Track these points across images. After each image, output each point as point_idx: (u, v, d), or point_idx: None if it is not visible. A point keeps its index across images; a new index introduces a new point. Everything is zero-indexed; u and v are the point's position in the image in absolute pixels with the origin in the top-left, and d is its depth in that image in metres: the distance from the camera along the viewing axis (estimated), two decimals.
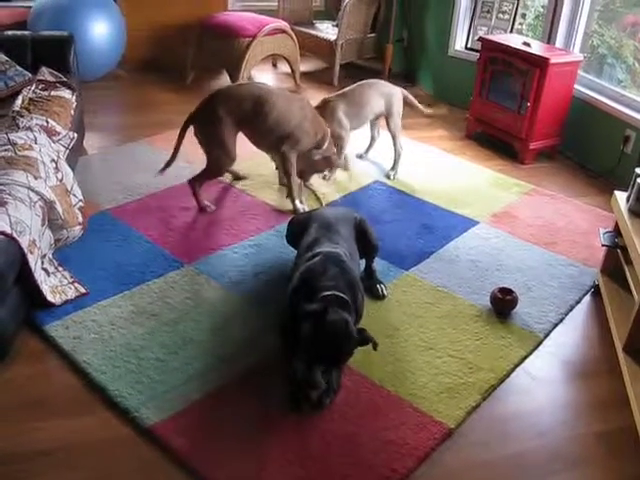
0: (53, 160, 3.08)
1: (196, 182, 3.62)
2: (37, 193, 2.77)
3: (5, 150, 2.89)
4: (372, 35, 5.86)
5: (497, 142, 4.69)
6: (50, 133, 3.22)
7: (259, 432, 2.30)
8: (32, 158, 2.92)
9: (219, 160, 3.52)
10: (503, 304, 2.97)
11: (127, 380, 2.47)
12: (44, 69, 3.75)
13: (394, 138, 4.12)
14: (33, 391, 2.42)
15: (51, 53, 3.90)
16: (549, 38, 4.57)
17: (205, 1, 5.53)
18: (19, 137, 3.02)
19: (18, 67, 3.66)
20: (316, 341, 2.30)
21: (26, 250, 2.53)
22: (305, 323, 2.34)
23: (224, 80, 5.43)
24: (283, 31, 5.30)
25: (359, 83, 4.04)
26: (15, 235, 2.47)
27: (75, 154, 3.65)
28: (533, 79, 4.24)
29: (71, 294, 2.85)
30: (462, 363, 2.68)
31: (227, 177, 3.99)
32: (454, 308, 3.00)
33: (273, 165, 4.00)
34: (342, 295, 2.45)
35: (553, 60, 4.18)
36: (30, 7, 5.07)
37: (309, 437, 2.30)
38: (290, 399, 2.41)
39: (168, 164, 3.58)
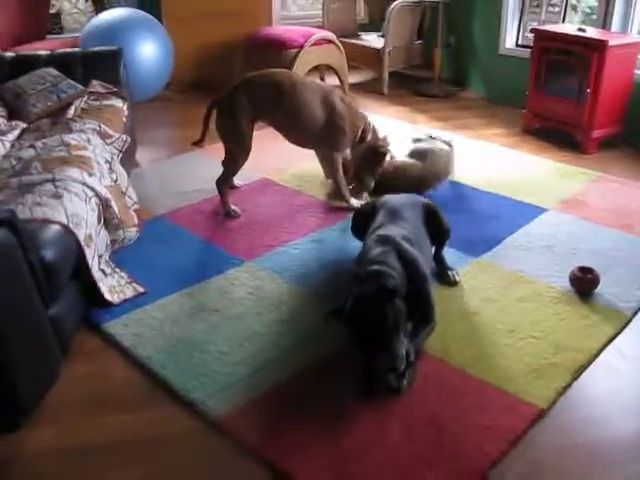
0: (107, 161, 3.03)
1: (221, 182, 3.50)
2: (92, 189, 2.71)
3: (59, 150, 2.86)
4: (419, 42, 5.78)
5: (557, 134, 4.50)
6: (103, 136, 3.19)
7: (332, 421, 2.15)
8: (86, 157, 2.88)
9: (233, 151, 3.41)
10: (584, 283, 2.77)
11: (190, 373, 2.35)
12: (95, 82, 3.74)
13: None
14: (96, 387, 2.33)
15: (101, 67, 3.89)
16: (604, 23, 4.41)
17: (250, 17, 5.53)
18: (72, 138, 2.99)
19: (69, 80, 3.67)
20: (348, 319, 2.20)
21: (83, 243, 2.46)
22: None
23: None
24: (330, 41, 5.25)
25: None
26: (72, 227, 2.40)
27: (128, 166, 3.60)
28: (591, 64, 4.06)
29: (129, 293, 2.76)
30: (547, 343, 2.48)
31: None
32: (532, 291, 2.81)
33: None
34: (382, 269, 2.32)
35: (611, 42, 4.01)
36: (79, 36, 5.15)
37: (387, 423, 2.13)
38: (363, 385, 2.26)
39: (197, 143, 3.55)
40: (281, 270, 3.00)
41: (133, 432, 2.12)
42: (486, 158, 4.23)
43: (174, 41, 5.28)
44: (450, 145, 3.86)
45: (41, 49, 4.23)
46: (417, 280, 2.43)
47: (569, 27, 4.43)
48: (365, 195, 3.61)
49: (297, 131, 3.50)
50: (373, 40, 5.74)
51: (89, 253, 2.53)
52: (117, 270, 2.88)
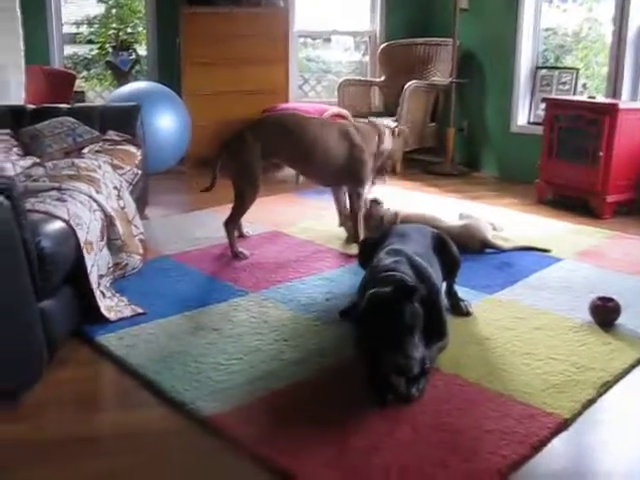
0: (116, 187, 3.01)
1: (229, 223, 3.45)
2: (98, 204, 2.67)
3: (69, 169, 2.85)
4: (432, 125, 5.90)
5: (571, 202, 4.46)
6: (115, 167, 3.19)
7: (338, 421, 1.98)
8: (95, 177, 2.86)
9: (242, 191, 3.40)
10: (605, 311, 2.62)
11: (184, 379, 2.21)
12: (111, 132, 3.81)
13: None
14: (85, 389, 2.20)
15: (119, 120, 3.98)
16: (614, 93, 4.49)
17: (267, 98, 5.70)
18: (83, 162, 2.99)
19: (86, 127, 3.73)
20: (363, 317, 2.08)
21: (82, 245, 2.39)
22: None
23: (287, 171, 5.45)
24: (344, 117, 5.36)
25: None
26: (72, 224, 2.34)
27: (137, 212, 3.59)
28: (603, 127, 4.09)
29: (127, 313, 2.66)
30: (568, 364, 2.31)
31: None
32: (549, 321, 2.66)
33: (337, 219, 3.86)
34: (397, 273, 2.21)
35: (622, 106, 4.06)
36: None
37: (397, 427, 1.96)
38: (373, 390, 2.09)
39: (206, 189, 3.52)
40: (286, 300, 2.88)
41: (117, 427, 1.96)
42: (500, 218, 4.17)
43: (192, 116, 5.43)
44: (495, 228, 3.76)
45: None
46: (429, 292, 2.30)
47: (580, 97, 4.51)
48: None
49: (314, 168, 3.51)
50: (387, 122, 5.86)
51: (88, 260, 2.45)
52: (117, 295, 2.78)
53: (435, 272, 2.57)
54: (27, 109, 3.96)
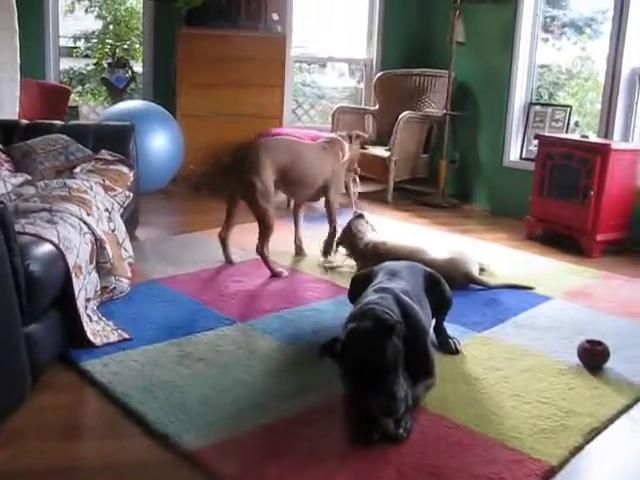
0: (107, 209, 2.99)
1: (262, 247, 3.52)
2: (88, 227, 2.65)
3: (60, 190, 2.83)
4: (425, 156, 5.93)
5: (561, 239, 4.47)
6: (106, 189, 3.17)
7: (322, 463, 1.94)
8: (86, 199, 2.84)
9: (267, 211, 3.49)
10: (594, 355, 2.61)
11: (169, 410, 2.17)
12: (104, 151, 3.79)
13: None
14: (68, 417, 2.16)
15: (112, 139, 3.96)
16: (606, 132, 4.53)
17: (261, 122, 5.68)
18: (75, 182, 2.97)
19: (79, 145, 3.71)
20: (343, 353, 2.06)
21: (71, 270, 2.36)
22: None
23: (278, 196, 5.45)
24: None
25: None
26: (62, 248, 2.31)
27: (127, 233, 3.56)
28: (595, 167, 4.12)
29: (114, 338, 2.62)
30: (555, 408, 2.30)
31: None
32: (538, 363, 2.65)
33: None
34: (378, 307, 2.20)
35: (614, 147, 4.10)
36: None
37: (382, 468, 1.93)
38: (357, 429, 2.07)
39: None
40: (273, 331, 2.86)
41: (97, 458, 1.93)
42: (488, 255, 4.17)
43: (186, 137, 5.42)
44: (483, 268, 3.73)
45: None
46: (415, 331, 2.29)
47: (572, 135, 4.55)
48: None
49: (305, 186, 3.76)
50: (380, 152, 5.89)
51: (76, 284, 2.42)
52: (103, 319, 2.75)
53: (425, 311, 2.56)
54: (20, 124, 3.94)
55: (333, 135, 4.23)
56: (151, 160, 5.10)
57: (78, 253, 2.44)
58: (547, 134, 4.62)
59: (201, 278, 3.49)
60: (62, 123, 4.00)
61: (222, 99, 5.68)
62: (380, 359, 2.01)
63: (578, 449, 2.08)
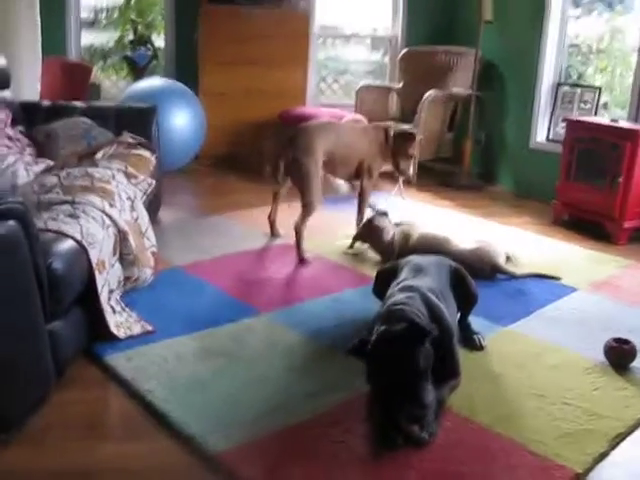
0: (129, 198, 2.97)
1: (301, 224, 3.58)
2: (111, 219, 2.64)
3: (83, 180, 2.82)
4: (449, 134, 5.84)
5: (587, 225, 4.40)
6: (129, 176, 3.15)
7: (345, 468, 1.94)
8: (109, 190, 2.83)
9: (315, 192, 3.58)
10: (621, 354, 2.58)
11: (192, 409, 2.18)
12: (126, 133, 3.76)
13: None
14: (89, 414, 2.17)
15: (134, 122, 3.93)
16: (636, 117, 4.41)
17: (284, 101, 5.63)
18: (97, 171, 2.95)
19: (101, 129, 3.70)
20: (373, 355, 2.05)
21: (95, 266, 2.36)
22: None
23: None
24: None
25: None
26: (85, 244, 2.30)
27: (150, 218, 3.54)
28: (624, 153, 4.03)
29: (137, 330, 2.63)
30: (581, 410, 2.27)
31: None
32: (563, 360, 2.62)
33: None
34: (407, 308, 2.19)
35: None
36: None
37: (405, 473, 1.92)
38: (381, 432, 2.06)
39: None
40: (296, 323, 2.85)
41: (121, 461, 1.94)
42: (514, 242, 4.12)
43: (208, 115, 5.38)
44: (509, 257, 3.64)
45: None
46: (443, 333, 2.26)
47: (601, 119, 4.44)
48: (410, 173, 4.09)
49: (345, 166, 3.87)
50: (404, 128, 5.81)
51: (100, 280, 2.42)
52: (126, 309, 2.75)
53: (450, 309, 2.53)
54: (42, 105, 3.92)
55: (382, 123, 4.33)
56: (173, 138, 5.09)
57: (101, 248, 2.44)
58: (575, 117, 4.51)
59: (224, 264, 3.48)
60: (83, 105, 3.97)
61: (245, 77, 5.62)
62: (412, 366, 2.00)
63: (603, 456, 2.06)
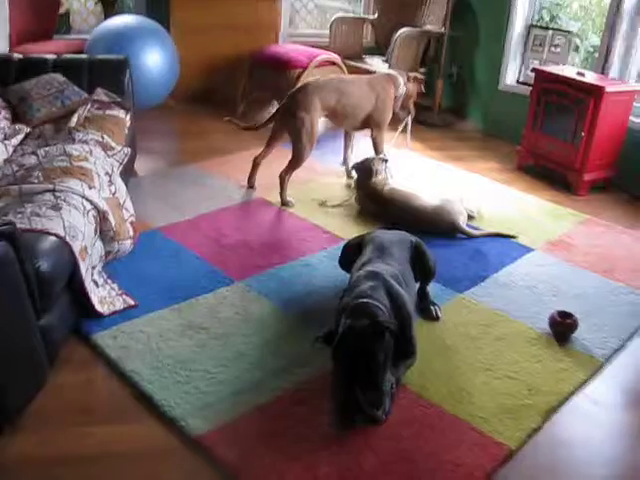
0: (107, 173, 3.09)
1: (286, 173, 3.91)
2: (91, 202, 2.78)
3: (61, 160, 2.92)
4: (422, 70, 5.87)
5: (549, 174, 4.59)
6: (105, 148, 3.25)
7: (310, 447, 2.21)
8: (87, 169, 2.94)
9: (305, 146, 3.87)
10: (563, 327, 2.85)
11: (175, 390, 2.42)
12: (99, 90, 3.80)
13: None
14: (80, 398, 2.39)
15: (107, 75, 3.96)
16: (603, 69, 4.51)
17: (257, 35, 5.61)
18: (75, 149, 3.05)
19: (75, 87, 3.73)
20: (338, 349, 2.26)
21: (78, 256, 2.52)
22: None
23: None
24: (334, 63, 5.33)
25: None
26: (68, 239, 2.46)
27: (127, 175, 3.66)
28: (588, 108, 4.17)
29: (119, 305, 2.82)
30: (521, 385, 2.56)
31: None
32: (511, 331, 2.89)
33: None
34: (371, 302, 2.38)
35: (608, 89, 4.11)
36: (86, 39, 5.21)
37: (361, 454, 2.20)
38: (342, 412, 2.31)
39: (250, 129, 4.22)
40: (269, 292, 3.06)
41: (111, 445, 2.18)
42: (477, 192, 4.31)
43: (180, 51, 5.35)
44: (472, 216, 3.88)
45: (47, 51, 4.32)
46: (402, 319, 2.49)
47: (569, 70, 4.53)
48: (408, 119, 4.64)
49: (351, 118, 4.18)
50: (377, 64, 5.83)
51: (83, 266, 2.59)
52: (109, 281, 2.94)
53: (411, 289, 2.75)
54: (13, 59, 3.90)
55: (389, 71, 4.57)
56: (146, 76, 5.09)
57: (84, 236, 2.59)
58: (543, 68, 4.58)
59: (200, 225, 3.65)
60: (55, 58, 3.95)
61: (217, 11, 5.55)
62: (373, 360, 2.23)
63: (535, 430, 2.34)
